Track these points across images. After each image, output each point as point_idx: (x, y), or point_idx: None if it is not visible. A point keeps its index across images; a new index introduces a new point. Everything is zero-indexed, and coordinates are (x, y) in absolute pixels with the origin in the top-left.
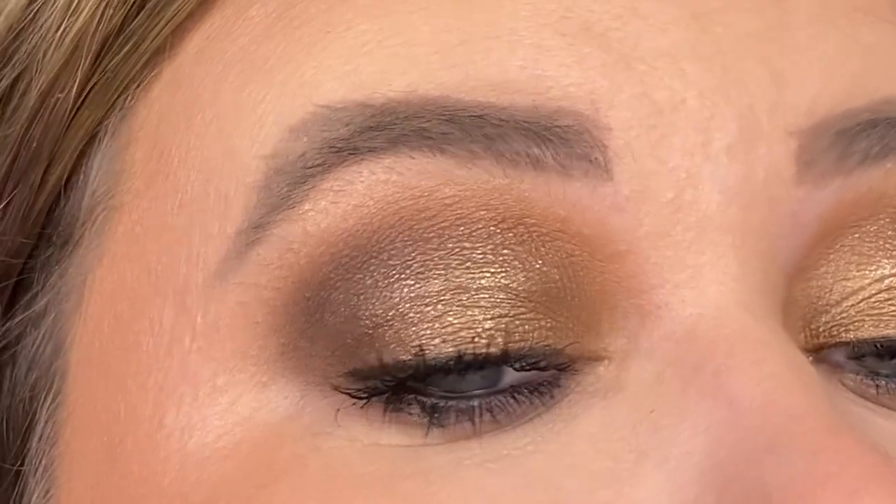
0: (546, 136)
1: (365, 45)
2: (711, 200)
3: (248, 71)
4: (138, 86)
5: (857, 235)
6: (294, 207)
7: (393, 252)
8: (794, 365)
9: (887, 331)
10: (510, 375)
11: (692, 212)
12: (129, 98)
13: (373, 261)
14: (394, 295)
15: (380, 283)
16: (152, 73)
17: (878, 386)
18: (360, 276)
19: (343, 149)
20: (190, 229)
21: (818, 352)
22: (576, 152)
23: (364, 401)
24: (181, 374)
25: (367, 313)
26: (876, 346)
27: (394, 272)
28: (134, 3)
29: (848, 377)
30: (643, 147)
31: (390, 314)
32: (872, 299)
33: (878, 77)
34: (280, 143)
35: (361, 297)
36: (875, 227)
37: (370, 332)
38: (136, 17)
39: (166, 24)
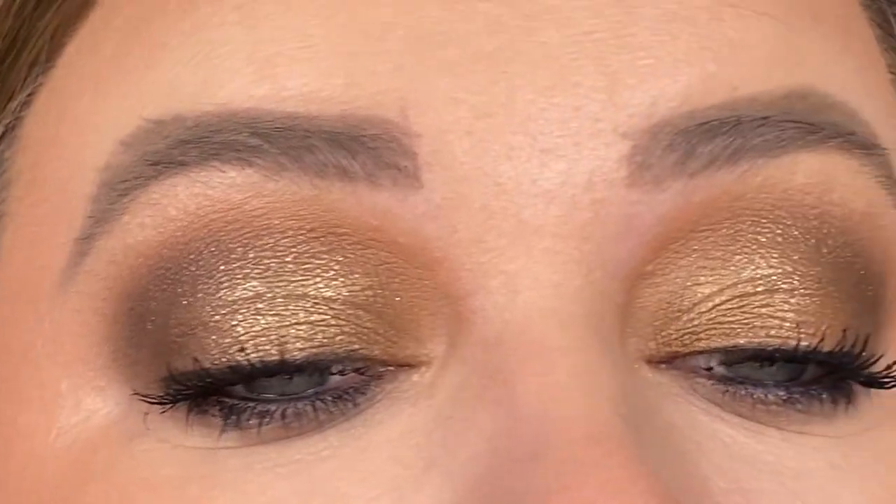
0: (353, 146)
1: (192, 59)
2: (527, 205)
3: (102, 84)
4: (31, 94)
5: (710, 239)
6: (117, 220)
7: (201, 263)
8: (583, 373)
9: (738, 340)
10: (321, 381)
11: (506, 217)
12: (21, 107)
13: (184, 272)
14: (198, 304)
15: (188, 293)
16: (38, 83)
17: (728, 392)
18: (173, 286)
19: (160, 162)
20: (46, 238)
21: (672, 360)
22: (384, 161)
23: (170, 405)
24: (33, 378)
25: (176, 322)
26: (727, 354)
27: (199, 283)
28: (21, 11)
29: (700, 383)
30: (456, 153)
31: (194, 323)
32: (724, 306)
33: (739, 74)
34: (112, 157)
35: (173, 306)
36: (732, 231)
37: (179, 339)
38: (21, 26)
39: (47, 34)
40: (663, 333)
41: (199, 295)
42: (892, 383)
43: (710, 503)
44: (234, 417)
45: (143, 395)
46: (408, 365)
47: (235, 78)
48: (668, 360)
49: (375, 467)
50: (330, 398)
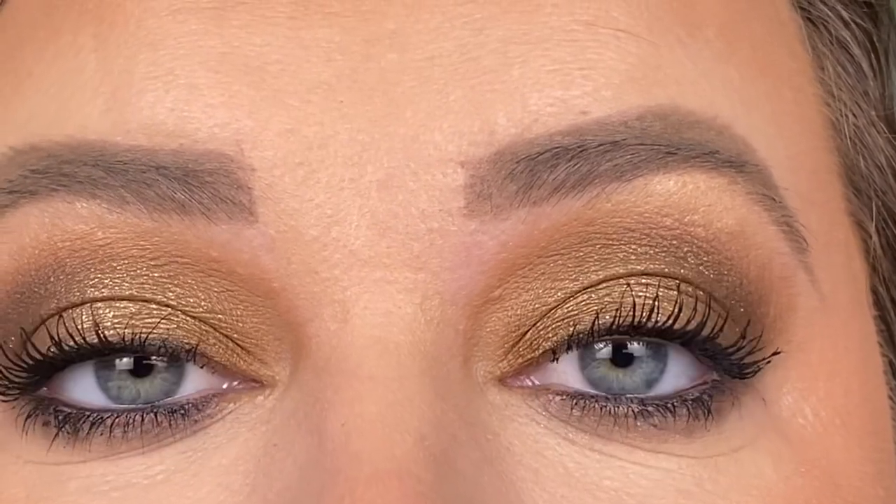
0: (190, 181)
1: (50, 87)
2: (359, 236)
3: None
4: None
5: (559, 262)
6: None
7: (46, 289)
8: (393, 404)
9: (581, 326)
10: (176, 382)
11: (338, 248)
12: None
13: (33, 297)
14: (42, 318)
15: (33, 313)
16: None
17: (576, 405)
18: (23, 309)
19: (14, 191)
20: None
21: (524, 370)
22: (220, 195)
23: (13, 399)
24: None
25: (25, 340)
26: (575, 340)
27: (45, 302)
28: None
29: (548, 399)
30: (288, 186)
31: (38, 328)
32: (571, 306)
33: (590, 97)
34: None
35: (24, 327)
36: (581, 254)
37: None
38: None
39: None
40: (513, 351)
41: (42, 312)
42: (753, 368)
43: None
44: (68, 426)
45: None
46: (254, 381)
47: (85, 108)
48: (523, 373)
49: (204, 494)
50: (165, 411)
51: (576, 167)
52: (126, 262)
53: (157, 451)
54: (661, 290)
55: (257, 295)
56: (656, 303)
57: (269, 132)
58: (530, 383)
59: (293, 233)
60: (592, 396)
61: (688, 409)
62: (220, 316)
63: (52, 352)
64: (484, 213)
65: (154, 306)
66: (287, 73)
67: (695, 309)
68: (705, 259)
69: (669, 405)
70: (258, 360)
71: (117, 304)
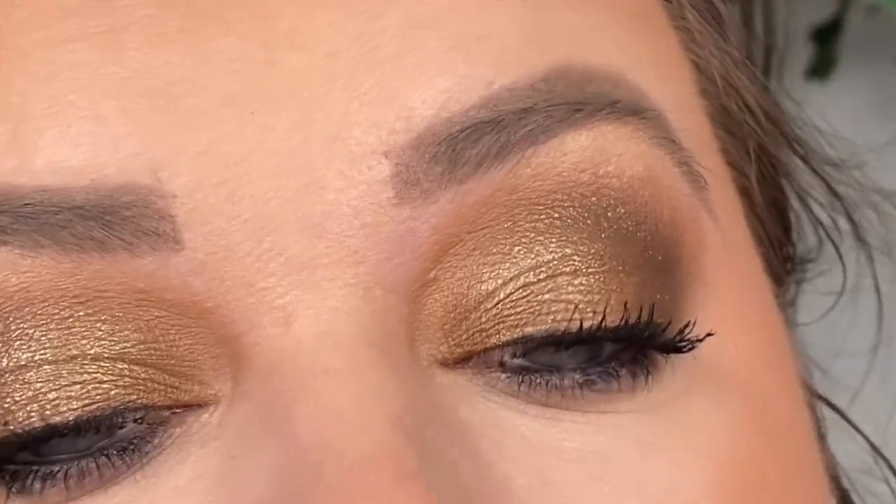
0: (108, 218)
1: None
2: (293, 243)
3: None
4: None
5: (489, 235)
6: None
7: None
8: (360, 392)
9: (526, 329)
10: (108, 435)
11: (272, 258)
12: None
13: None
14: None
15: None
16: None
17: (523, 382)
18: None
19: None
20: None
21: (468, 360)
22: (142, 229)
23: None
24: None
25: None
26: (520, 346)
27: None
28: None
29: (495, 377)
30: (212, 206)
31: None
32: (509, 300)
33: (492, 68)
34: None
35: None
36: (509, 224)
37: None
38: None
39: None
40: (454, 335)
41: None
42: (689, 346)
43: (510, 500)
44: (17, 484)
45: None
46: (196, 405)
47: None
48: (461, 362)
49: None
50: (115, 451)
51: (496, 139)
52: (46, 304)
53: (103, 492)
54: (587, 281)
55: (189, 317)
56: (586, 311)
57: (184, 155)
58: (470, 367)
59: (224, 252)
60: (536, 370)
61: (627, 370)
62: (153, 345)
63: None
64: (414, 200)
65: (87, 364)
66: (193, 92)
67: (633, 308)
68: (622, 211)
69: (610, 370)
70: (197, 382)
71: (49, 371)
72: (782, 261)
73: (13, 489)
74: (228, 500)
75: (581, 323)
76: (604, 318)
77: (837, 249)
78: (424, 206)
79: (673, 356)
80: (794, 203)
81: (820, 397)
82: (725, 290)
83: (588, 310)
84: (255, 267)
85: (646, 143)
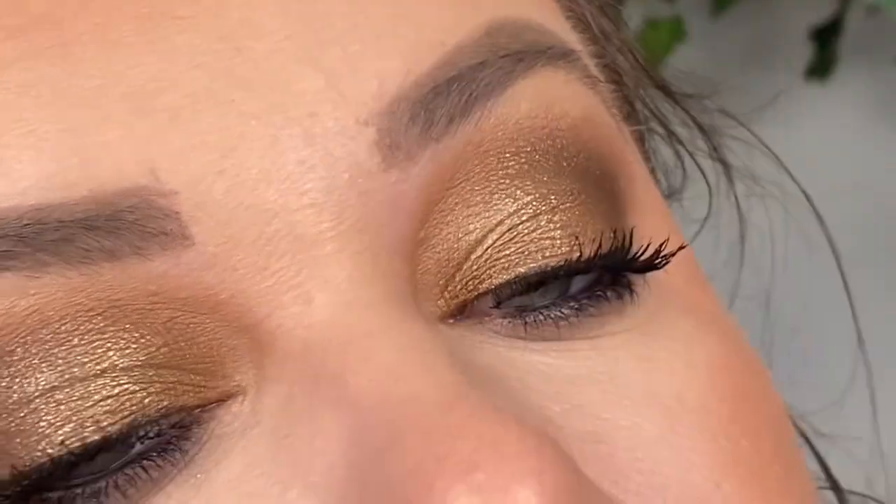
0: (112, 225)
1: None
2: (298, 221)
3: None
4: None
5: (466, 188)
6: None
7: None
8: (408, 346)
9: (517, 270)
10: (140, 446)
11: (282, 239)
12: None
13: None
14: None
15: None
16: None
17: (526, 323)
18: None
19: None
20: None
21: (462, 310)
22: (148, 230)
23: None
24: None
25: None
26: (512, 286)
27: None
28: None
29: (498, 324)
30: (215, 197)
31: None
32: (496, 244)
33: (438, 29)
34: None
35: None
36: (483, 174)
37: None
38: None
39: None
40: (448, 289)
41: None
42: (664, 262)
43: (555, 428)
44: None
45: None
46: (221, 400)
47: None
48: (460, 313)
49: None
50: (155, 454)
51: (461, 95)
52: (63, 322)
53: (159, 493)
54: (566, 217)
55: (202, 313)
56: (572, 244)
57: (177, 152)
58: (467, 319)
59: (233, 241)
60: (533, 309)
61: (613, 292)
62: (174, 347)
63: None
64: (400, 163)
65: (119, 376)
66: (166, 90)
67: (613, 235)
68: (574, 150)
69: (599, 293)
70: (220, 377)
71: (81, 389)
72: None
73: None
74: (294, 477)
75: (569, 256)
76: (593, 246)
77: (703, 173)
78: (409, 167)
79: (648, 275)
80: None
81: None
82: (654, 213)
83: (574, 242)
84: (265, 251)
85: (578, 84)
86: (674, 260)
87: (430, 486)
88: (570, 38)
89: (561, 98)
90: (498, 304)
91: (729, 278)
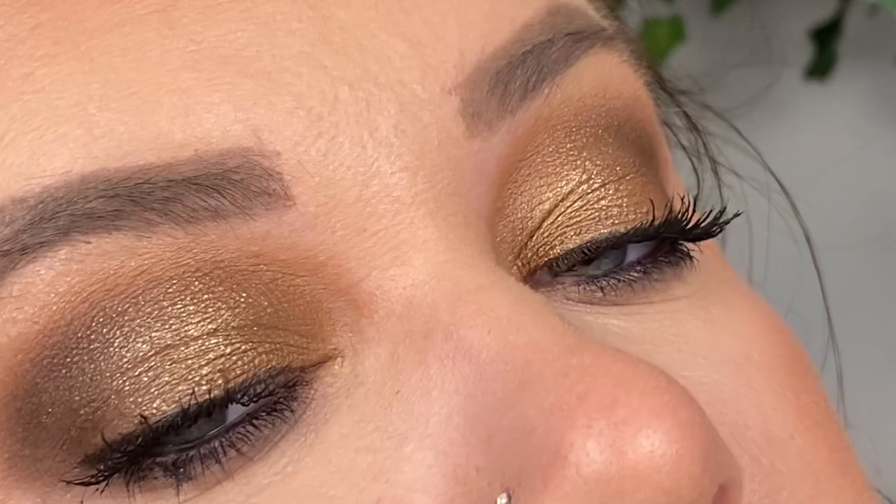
0: (219, 184)
1: (4, 136)
2: (396, 184)
3: None
4: None
5: (538, 160)
6: None
7: (92, 337)
8: (518, 299)
9: (588, 235)
10: (245, 407)
11: (381, 201)
12: None
13: (75, 351)
14: (104, 374)
15: (87, 370)
16: None
17: (602, 288)
18: (66, 370)
19: (11, 250)
20: None
21: (533, 276)
22: (252, 190)
23: (104, 483)
24: None
25: (82, 401)
26: (584, 251)
27: (97, 354)
28: None
29: (571, 291)
30: (315, 158)
31: (105, 394)
32: (568, 211)
33: (510, 7)
34: None
35: (73, 389)
36: (553, 147)
37: (91, 417)
38: None
39: None
40: (521, 256)
41: (102, 366)
42: (719, 229)
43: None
44: (182, 470)
45: (77, 481)
46: (323, 363)
47: (67, 143)
48: (531, 279)
49: (347, 462)
50: (265, 413)
51: (533, 70)
52: (173, 281)
53: (274, 450)
54: (631, 186)
55: (301, 275)
56: (637, 211)
57: (279, 114)
58: (542, 286)
59: (333, 202)
60: (602, 276)
61: (672, 258)
62: (279, 307)
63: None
64: (482, 132)
65: (231, 335)
66: (264, 54)
67: (674, 202)
68: (629, 127)
69: (662, 258)
70: (320, 340)
71: (196, 347)
72: None
73: (181, 476)
74: (410, 430)
75: (637, 221)
76: (661, 212)
77: (694, 166)
78: (490, 136)
79: (700, 244)
80: None
81: None
82: (679, 193)
83: (641, 209)
84: (365, 212)
85: (627, 66)
86: (696, 226)
87: (573, 421)
88: (609, 25)
89: (616, 78)
90: (571, 268)
91: None
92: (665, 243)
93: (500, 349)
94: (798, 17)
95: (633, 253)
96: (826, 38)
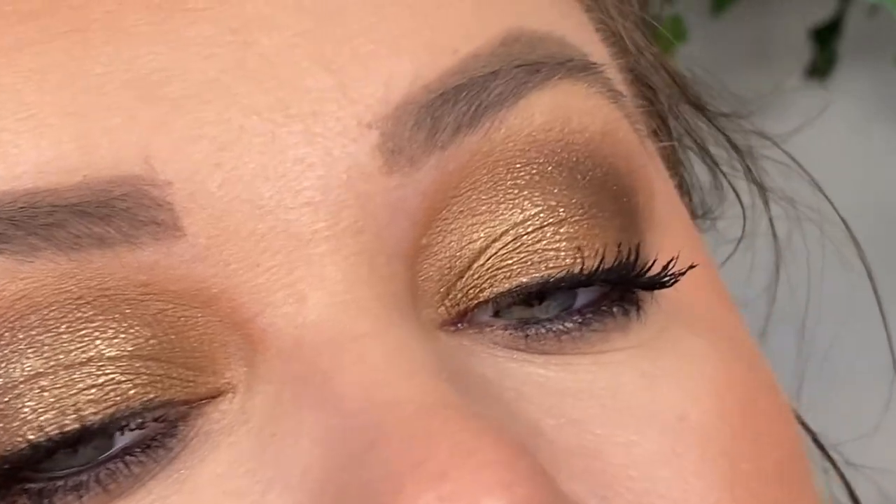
0: (105, 212)
1: None
2: (294, 219)
3: None
4: None
5: (473, 197)
6: None
7: None
8: (397, 351)
9: (519, 279)
10: (123, 440)
11: (276, 236)
12: None
13: None
14: None
15: None
16: None
17: (527, 336)
18: None
19: None
20: None
21: (465, 316)
22: (139, 219)
23: None
24: None
25: None
26: (515, 296)
27: None
28: None
29: (499, 335)
30: (210, 190)
31: None
32: (500, 253)
33: (455, 36)
34: None
35: None
36: (491, 184)
37: None
38: None
39: None
40: (450, 297)
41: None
42: (673, 280)
43: (545, 442)
44: (46, 501)
45: None
46: (211, 396)
47: None
48: (460, 321)
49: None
50: (139, 450)
51: (470, 103)
52: (52, 309)
53: (141, 488)
54: (573, 229)
55: (194, 306)
56: (576, 256)
57: (175, 142)
58: (469, 328)
59: (226, 235)
60: (535, 321)
61: (618, 308)
62: (163, 339)
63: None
64: (402, 167)
65: (105, 365)
66: (172, 80)
67: (618, 250)
68: (590, 164)
69: (604, 308)
70: (211, 373)
71: (65, 376)
72: None
73: None
74: (276, 477)
75: (571, 268)
76: (598, 258)
77: (737, 194)
78: (412, 173)
79: (656, 292)
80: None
81: None
82: (675, 231)
83: (578, 255)
84: (259, 247)
85: (599, 98)
86: (692, 278)
87: (401, 490)
88: (597, 50)
89: (580, 111)
90: (498, 314)
91: (763, 301)
92: (615, 290)
93: (363, 403)
94: (798, 17)
95: (586, 296)
96: (826, 38)
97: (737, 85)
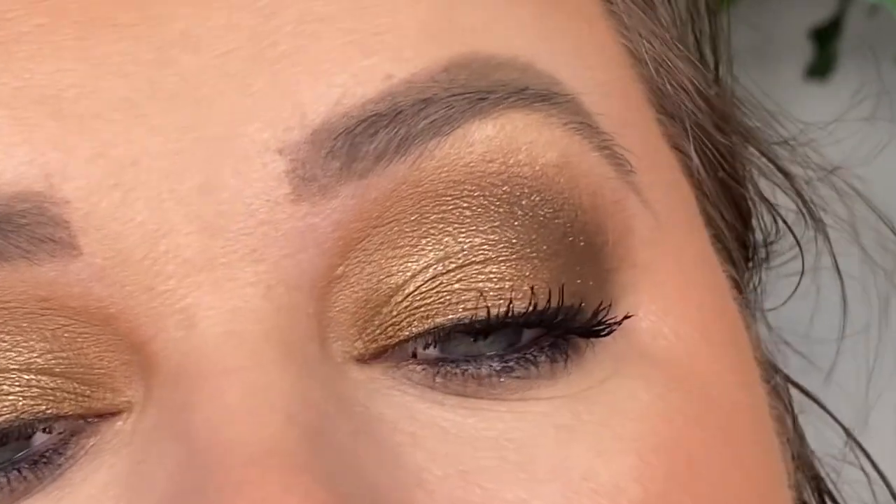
0: (5, 226)
1: None
2: (190, 244)
3: None
4: None
5: (395, 229)
6: None
7: None
8: (254, 390)
9: (437, 320)
10: (7, 452)
11: (169, 261)
12: None
13: None
14: None
15: None
16: None
17: (437, 374)
18: None
19: None
20: None
21: (382, 354)
22: (38, 236)
23: None
24: None
25: None
26: (435, 337)
27: None
28: None
29: (412, 370)
30: (106, 211)
31: None
32: (419, 291)
33: (391, 60)
34: None
35: None
36: (416, 216)
37: None
38: None
39: None
40: (367, 331)
41: None
42: (606, 329)
43: (424, 493)
44: None
45: None
46: (109, 414)
47: None
48: (379, 356)
49: None
50: (26, 465)
51: (394, 132)
52: None
53: (23, 501)
54: (499, 269)
55: (94, 324)
56: (497, 298)
57: (76, 160)
58: (386, 361)
59: (121, 257)
60: (453, 361)
61: (546, 356)
62: (60, 354)
63: None
64: (312, 196)
65: None
66: (84, 97)
67: (549, 294)
68: (537, 199)
69: (529, 356)
70: (109, 390)
71: None
72: (741, 246)
73: None
74: (136, 503)
75: (489, 310)
76: (512, 304)
77: (792, 231)
78: (324, 201)
79: (595, 341)
80: (753, 187)
81: (793, 383)
82: (662, 273)
83: (498, 297)
84: (153, 270)
85: (559, 129)
86: (677, 324)
87: None
88: (577, 77)
89: (531, 142)
90: (415, 353)
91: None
92: (550, 334)
93: (208, 442)
94: (798, 17)
95: (528, 336)
96: (826, 38)
97: (736, 85)
